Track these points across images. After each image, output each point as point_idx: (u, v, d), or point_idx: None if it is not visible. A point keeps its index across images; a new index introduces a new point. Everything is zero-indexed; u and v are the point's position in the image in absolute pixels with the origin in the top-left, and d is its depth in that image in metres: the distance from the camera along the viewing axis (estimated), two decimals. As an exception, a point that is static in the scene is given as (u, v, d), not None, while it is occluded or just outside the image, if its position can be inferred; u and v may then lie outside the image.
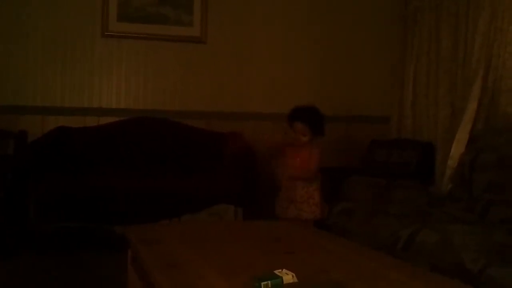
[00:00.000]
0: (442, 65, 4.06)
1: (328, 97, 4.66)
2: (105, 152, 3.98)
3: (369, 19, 4.75)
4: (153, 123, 4.19)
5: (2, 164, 3.52)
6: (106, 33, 4.20)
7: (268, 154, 3.55)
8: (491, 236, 2.35)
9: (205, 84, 4.43)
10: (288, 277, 1.46)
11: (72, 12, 4.15)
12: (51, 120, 4.05)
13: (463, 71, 3.84)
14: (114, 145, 4.02)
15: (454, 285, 1.62)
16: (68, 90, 4.17)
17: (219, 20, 4.43)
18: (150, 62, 4.33)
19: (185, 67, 4.41)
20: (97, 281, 2.93)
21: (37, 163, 3.51)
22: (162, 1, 4.30)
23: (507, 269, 2.00)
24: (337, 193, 3.64)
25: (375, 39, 4.76)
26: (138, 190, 3.48)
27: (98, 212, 3.42)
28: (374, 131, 4.64)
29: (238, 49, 4.51)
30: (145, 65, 4.32)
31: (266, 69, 4.56)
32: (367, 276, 1.64)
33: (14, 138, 3.76)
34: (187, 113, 4.35)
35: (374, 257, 1.91)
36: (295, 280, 1.46)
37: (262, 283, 1.41)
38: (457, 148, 3.65)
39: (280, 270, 1.48)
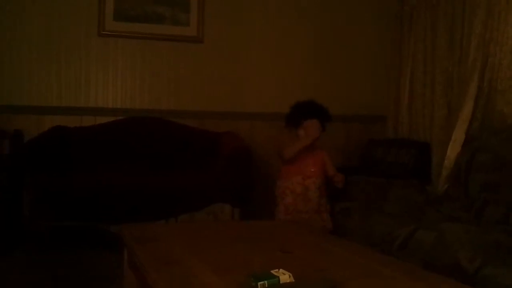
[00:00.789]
0: (438, 64, 4.07)
1: (324, 97, 4.60)
2: (101, 151, 3.97)
3: (365, 19, 4.75)
4: (150, 122, 4.18)
5: (-2, 163, 3.51)
6: (102, 32, 4.19)
7: (283, 160, 3.20)
8: (487, 235, 2.36)
9: (202, 83, 4.43)
10: (284, 276, 1.45)
11: (68, 11, 4.14)
12: (47, 120, 4.03)
13: (459, 71, 3.85)
14: (110, 144, 4.01)
15: (450, 283, 1.62)
16: (64, 89, 4.15)
17: (215, 20, 4.43)
18: (147, 61, 4.32)
19: (181, 67, 4.40)
20: (93, 280, 2.93)
21: (32, 163, 3.50)
22: (158, 0, 4.29)
23: (502, 269, 2.01)
24: (335, 193, 3.58)
25: (371, 38, 4.77)
26: (134, 189, 3.48)
27: (93, 211, 3.41)
28: (370, 131, 4.64)
29: (235, 49, 4.50)
30: (142, 64, 4.31)
31: (263, 69, 4.56)
32: (364, 275, 1.64)
33: (9, 137, 3.75)
34: (184, 113, 4.34)
35: (371, 256, 1.91)
36: (292, 279, 1.46)
37: (259, 283, 1.41)
38: (453, 148, 3.66)
39: (276, 270, 1.48)
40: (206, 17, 4.39)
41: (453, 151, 3.65)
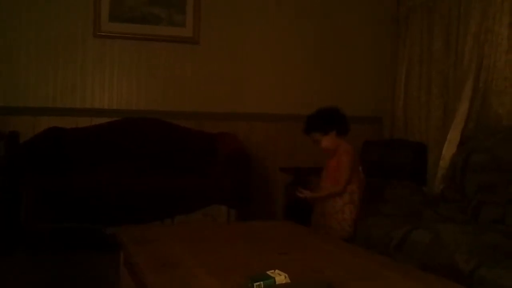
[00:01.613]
0: (434, 65, 4.08)
1: (320, 98, 4.66)
2: (97, 152, 3.96)
3: (361, 20, 4.76)
4: (146, 123, 4.17)
5: (-6, 165, 3.50)
6: (98, 33, 4.18)
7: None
8: (483, 236, 2.37)
9: (198, 84, 4.42)
10: (280, 277, 1.46)
11: (64, 12, 4.13)
12: (43, 121, 4.02)
13: (455, 72, 3.86)
14: (106, 145, 4.00)
15: (446, 284, 1.63)
16: (60, 90, 4.15)
17: (212, 21, 4.43)
18: (143, 62, 4.31)
19: (178, 68, 4.39)
20: (89, 281, 2.92)
21: (29, 164, 3.49)
22: (154, 1, 4.29)
23: (498, 270, 2.01)
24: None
25: (367, 39, 4.77)
26: (130, 190, 3.47)
27: (90, 213, 3.41)
28: (366, 132, 4.64)
29: (231, 50, 4.50)
30: (138, 65, 4.30)
31: (259, 69, 4.56)
32: (361, 276, 1.64)
33: (5, 139, 3.74)
34: (180, 114, 4.34)
35: (368, 257, 1.91)
36: (288, 280, 1.46)
37: (255, 284, 1.41)
38: (449, 148, 3.66)
39: (273, 271, 1.48)
40: (202, 18, 4.39)
41: (448, 151, 3.66)
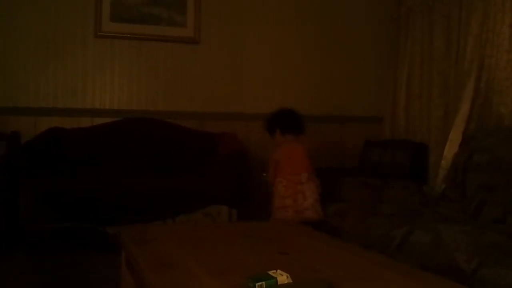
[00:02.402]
0: (435, 66, 4.08)
1: (321, 98, 4.68)
2: (98, 153, 3.96)
3: (362, 20, 4.76)
4: (147, 123, 4.18)
5: (-6, 165, 3.50)
6: (99, 34, 4.18)
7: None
8: (484, 236, 2.36)
9: (199, 84, 4.43)
10: (282, 277, 1.45)
11: (65, 12, 4.13)
12: (44, 121, 4.03)
13: (456, 72, 3.86)
14: (108, 146, 4.01)
15: (447, 284, 1.62)
16: (61, 91, 4.15)
17: (212, 21, 4.43)
18: (144, 62, 4.32)
19: (178, 68, 4.40)
20: (90, 282, 2.92)
21: (29, 164, 3.49)
22: (155, 2, 4.29)
23: (500, 269, 2.01)
24: (331, 194, 3.63)
25: (368, 40, 4.77)
26: (131, 190, 3.47)
27: (91, 213, 3.41)
28: (367, 132, 4.65)
29: (232, 50, 4.50)
30: (139, 65, 4.31)
31: (260, 69, 4.56)
32: (361, 277, 1.64)
33: (6, 139, 3.74)
34: (181, 114, 4.34)
35: (369, 258, 1.91)
36: (290, 280, 1.46)
37: (257, 284, 1.41)
38: (450, 148, 3.66)
39: (274, 271, 1.48)
40: (202, 18, 4.39)
41: (450, 151, 3.65)
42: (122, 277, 2.18)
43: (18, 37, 4.05)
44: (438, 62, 4.05)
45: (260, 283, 1.41)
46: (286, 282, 1.45)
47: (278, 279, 1.44)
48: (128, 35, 4.24)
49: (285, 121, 3.34)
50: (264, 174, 3.36)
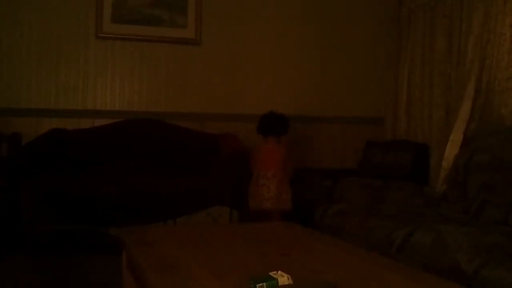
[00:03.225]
0: (436, 66, 4.07)
1: (322, 99, 4.68)
2: (100, 154, 3.96)
3: (363, 21, 4.76)
4: (148, 124, 4.18)
5: (-4, 166, 3.51)
6: (100, 35, 4.19)
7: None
8: (485, 236, 2.36)
9: (200, 85, 4.43)
10: (283, 279, 1.45)
11: (66, 13, 4.14)
12: (45, 122, 4.03)
13: (457, 72, 3.86)
14: (109, 147, 4.01)
15: (449, 285, 1.62)
16: (62, 92, 4.15)
17: (213, 22, 4.43)
18: (145, 63, 4.32)
19: (179, 69, 4.40)
20: (91, 283, 2.92)
21: (31, 165, 3.49)
22: (156, 3, 4.30)
23: (501, 270, 2.00)
24: (332, 194, 3.63)
25: (369, 40, 4.77)
26: (132, 192, 3.47)
27: (92, 214, 3.41)
28: (368, 133, 4.64)
29: (233, 51, 4.50)
30: (140, 66, 4.31)
31: (261, 70, 4.56)
32: (363, 278, 1.64)
33: (7, 140, 3.74)
34: (182, 115, 4.34)
35: (369, 259, 1.91)
36: (291, 282, 1.46)
37: (257, 285, 1.41)
38: (451, 149, 3.66)
39: (275, 272, 1.48)
40: (203, 20, 4.39)
41: (451, 152, 3.65)
42: (123, 279, 2.18)
43: (20, 39, 4.05)
44: (439, 63, 4.04)
45: (261, 284, 1.41)
46: (287, 283, 1.45)
47: (279, 280, 1.44)
48: (129, 36, 4.24)
49: (263, 125, 3.83)
50: None
